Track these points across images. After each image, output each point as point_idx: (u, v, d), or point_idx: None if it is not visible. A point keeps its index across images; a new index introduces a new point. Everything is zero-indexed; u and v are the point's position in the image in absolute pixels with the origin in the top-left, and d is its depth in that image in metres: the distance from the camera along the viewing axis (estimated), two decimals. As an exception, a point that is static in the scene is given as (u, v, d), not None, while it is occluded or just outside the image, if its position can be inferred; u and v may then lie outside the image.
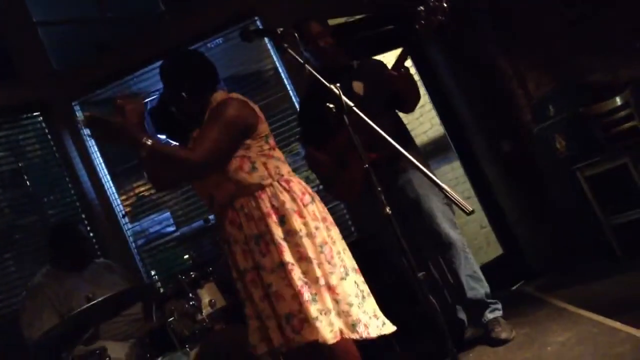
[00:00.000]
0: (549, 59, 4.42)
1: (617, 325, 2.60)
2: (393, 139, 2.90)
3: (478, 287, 3.06)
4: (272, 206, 2.21)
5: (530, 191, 4.52)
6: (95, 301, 2.53)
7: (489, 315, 3.06)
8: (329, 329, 2.09)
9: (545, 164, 4.37)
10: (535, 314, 3.24)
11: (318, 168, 3.22)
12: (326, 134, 3.03)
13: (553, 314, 3.13)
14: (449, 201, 3.10)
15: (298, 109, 3.66)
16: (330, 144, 3.07)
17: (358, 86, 3.09)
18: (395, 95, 3.01)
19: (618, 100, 3.88)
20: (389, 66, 3.04)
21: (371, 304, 2.27)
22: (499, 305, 3.11)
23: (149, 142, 2.12)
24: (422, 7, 2.73)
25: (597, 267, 3.74)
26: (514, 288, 4.13)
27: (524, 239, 4.38)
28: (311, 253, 2.16)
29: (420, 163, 2.94)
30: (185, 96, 2.35)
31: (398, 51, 2.97)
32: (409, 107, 3.16)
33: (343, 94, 2.83)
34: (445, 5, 2.70)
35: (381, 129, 2.85)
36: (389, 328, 2.25)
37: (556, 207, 4.31)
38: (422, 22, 2.75)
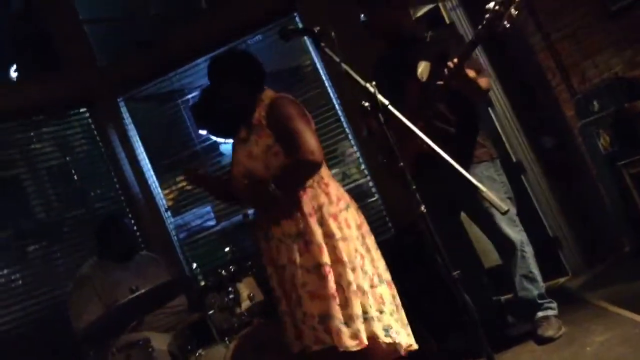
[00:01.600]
0: (593, 52, 4.31)
1: (659, 326, 2.54)
2: (450, 124, 2.85)
3: (531, 288, 2.95)
4: (313, 207, 2.23)
5: (573, 188, 4.44)
6: (138, 293, 2.62)
7: (540, 314, 2.97)
8: (350, 337, 2.12)
9: (589, 161, 4.28)
10: (575, 314, 3.19)
11: (377, 142, 3.04)
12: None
13: (593, 314, 3.07)
14: (510, 195, 3.04)
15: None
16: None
17: (424, 68, 2.85)
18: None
19: (664, 95, 3.77)
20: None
21: (402, 314, 2.28)
22: (554, 304, 3.01)
23: (272, 186, 2.21)
24: (490, 8, 2.51)
25: (638, 265, 3.65)
26: (553, 284, 4.06)
27: (564, 237, 4.30)
28: (346, 257, 2.18)
29: (487, 156, 2.92)
30: (237, 93, 2.42)
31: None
32: (476, 99, 2.97)
33: (408, 72, 2.81)
34: (513, 11, 2.49)
35: (440, 112, 2.82)
36: (413, 342, 2.26)
37: (599, 204, 4.21)
38: (487, 25, 2.54)
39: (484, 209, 2.86)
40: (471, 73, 2.71)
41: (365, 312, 2.17)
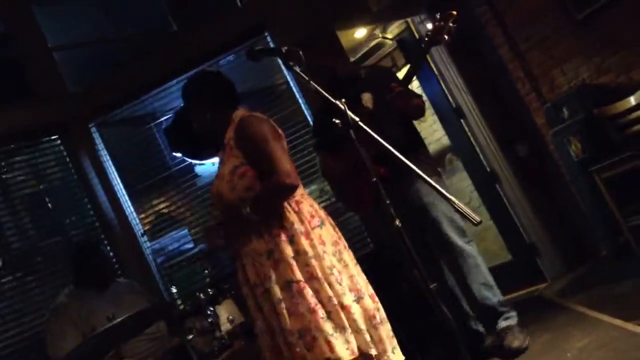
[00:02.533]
0: (561, 61, 4.39)
1: (637, 329, 2.57)
2: (402, 149, 2.94)
3: (490, 296, 3.02)
4: (282, 226, 2.22)
5: (547, 195, 4.49)
6: (115, 321, 2.57)
7: (502, 324, 3.01)
8: (344, 346, 2.09)
9: (562, 167, 4.34)
10: (555, 319, 3.22)
11: (331, 176, 3.25)
12: (339, 145, 3.06)
13: (572, 319, 3.10)
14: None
15: (312, 120, 3.70)
16: (342, 156, 3.09)
17: (368, 98, 3.11)
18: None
19: (632, 101, 3.84)
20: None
21: (386, 329, 2.26)
22: (513, 313, 3.07)
23: (246, 210, 2.19)
24: (429, 26, 2.82)
25: (615, 269, 3.69)
26: (531, 292, 4.10)
27: (541, 243, 4.34)
28: (320, 274, 2.16)
29: (431, 172, 3.03)
30: (209, 115, 2.40)
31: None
32: (415, 118, 3.23)
33: (354, 106, 2.91)
34: (451, 25, 2.79)
35: (390, 140, 2.90)
36: (399, 357, 2.24)
37: (574, 210, 4.27)
38: (429, 40, 2.88)
39: (432, 218, 3.04)
40: (403, 99, 3.01)
41: (350, 326, 2.15)
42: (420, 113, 3.16)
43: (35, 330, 3.68)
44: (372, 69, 3.32)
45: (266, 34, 4.27)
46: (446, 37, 2.81)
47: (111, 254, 3.93)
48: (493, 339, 3.08)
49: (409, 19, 4.83)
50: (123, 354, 2.98)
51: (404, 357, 2.25)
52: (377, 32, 5.14)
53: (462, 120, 4.63)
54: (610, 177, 3.76)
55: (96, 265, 3.39)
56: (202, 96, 2.42)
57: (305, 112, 4.27)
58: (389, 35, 5.21)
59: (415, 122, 3.32)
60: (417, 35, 4.84)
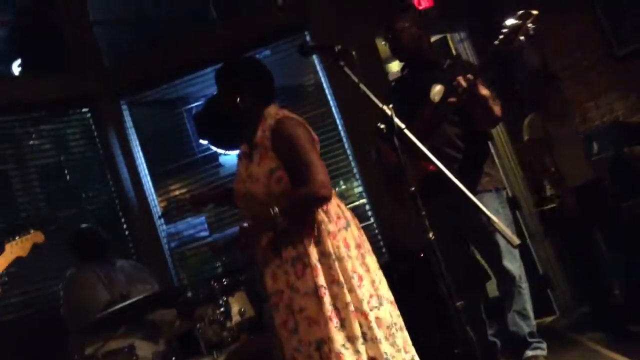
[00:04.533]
0: (597, 94, 4.37)
1: (652, 371, 2.54)
2: (460, 154, 2.86)
3: (523, 325, 2.92)
4: (310, 227, 2.20)
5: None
6: (129, 301, 2.57)
7: (529, 353, 2.94)
8: (354, 357, 2.07)
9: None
10: (567, 354, 3.18)
11: (385, 165, 3.02)
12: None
13: (585, 356, 3.07)
14: (513, 229, 3.01)
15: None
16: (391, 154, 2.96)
17: (438, 90, 2.84)
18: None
19: (664, 141, 3.82)
20: None
21: (403, 337, 2.23)
22: (543, 345, 2.96)
23: (276, 210, 2.11)
24: (506, 24, 2.57)
25: (629, 308, 3.65)
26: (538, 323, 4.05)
27: (554, 275, 4.31)
28: (342, 277, 2.14)
29: (491, 184, 2.91)
30: (239, 102, 2.32)
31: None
32: (480, 125, 2.92)
33: (421, 94, 2.83)
34: (530, 26, 2.53)
35: (447, 141, 2.84)
36: None
37: (598, 246, 4.22)
38: (504, 39, 2.57)
39: (489, 239, 2.84)
40: (484, 91, 2.71)
41: (364, 334, 2.12)
42: (491, 117, 2.82)
43: (43, 298, 3.67)
44: (458, 62, 3.09)
45: (305, 32, 4.26)
46: (522, 37, 2.55)
47: (127, 232, 3.93)
48: None
49: (448, 35, 4.82)
50: (131, 332, 2.96)
51: None
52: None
53: (489, 142, 4.59)
54: (635, 216, 3.72)
55: (95, 242, 3.40)
56: (240, 80, 2.35)
57: (335, 114, 4.26)
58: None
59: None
60: (452, 48, 4.83)
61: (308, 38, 4.23)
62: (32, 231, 2.83)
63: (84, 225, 3.70)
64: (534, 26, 2.53)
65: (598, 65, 4.28)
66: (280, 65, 4.27)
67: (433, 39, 4.95)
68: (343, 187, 4.47)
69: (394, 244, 4.01)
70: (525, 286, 2.94)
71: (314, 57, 4.29)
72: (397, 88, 3.10)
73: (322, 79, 4.32)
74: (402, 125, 1.97)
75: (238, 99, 2.33)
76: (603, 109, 4.32)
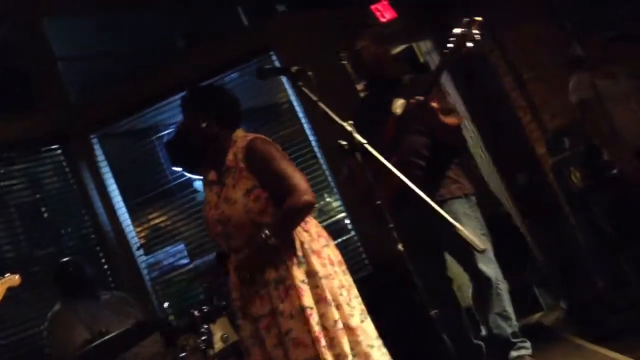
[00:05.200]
0: (563, 91, 4.42)
1: (635, 363, 2.55)
2: (426, 164, 2.89)
3: (505, 326, 2.90)
4: (293, 248, 2.19)
5: (546, 223, 4.49)
6: (108, 336, 2.54)
7: (514, 354, 2.94)
8: None
9: (562, 197, 4.34)
10: (552, 351, 3.19)
11: (356, 186, 3.12)
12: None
13: (570, 351, 3.08)
14: (485, 232, 3.04)
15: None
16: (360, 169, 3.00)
17: (400, 104, 2.90)
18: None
19: (633, 133, 3.85)
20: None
21: (382, 351, 2.24)
22: (527, 344, 2.95)
23: (270, 237, 2.13)
24: (453, 33, 2.62)
25: (612, 301, 3.67)
26: (527, 320, 4.07)
27: (537, 272, 4.33)
28: (329, 295, 2.14)
29: (460, 191, 2.93)
30: (204, 130, 2.32)
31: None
32: (441, 138, 2.92)
33: (384, 109, 2.87)
34: (475, 32, 2.59)
35: (412, 152, 2.86)
36: None
37: (572, 239, 4.26)
38: (452, 49, 2.63)
39: (461, 246, 2.85)
40: (435, 105, 2.73)
41: (353, 349, 2.12)
42: (447, 131, 2.84)
43: (29, 340, 3.63)
44: (418, 77, 3.15)
45: (272, 53, 4.29)
46: (470, 44, 2.60)
47: (106, 266, 3.90)
48: None
49: (414, 44, 4.88)
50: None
51: None
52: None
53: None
54: (608, 207, 3.75)
55: (79, 274, 3.36)
56: (204, 106, 2.37)
57: (307, 131, 4.28)
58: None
59: None
60: (418, 53, 4.88)
61: (274, 57, 4.25)
62: (7, 275, 2.80)
63: (66, 259, 3.64)
64: (479, 32, 2.58)
65: (561, 63, 4.34)
66: (250, 86, 4.29)
67: (399, 48, 5.03)
68: (322, 202, 4.48)
69: (377, 256, 4.02)
70: (503, 287, 2.95)
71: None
72: (363, 106, 3.15)
73: (292, 97, 4.34)
74: (363, 141, 1.99)
75: (203, 126, 2.34)
76: (570, 106, 4.36)
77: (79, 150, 4.10)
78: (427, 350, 3.09)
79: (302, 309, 2.11)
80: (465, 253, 2.87)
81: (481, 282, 2.92)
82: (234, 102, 2.44)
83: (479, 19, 2.57)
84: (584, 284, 4.03)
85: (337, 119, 2.03)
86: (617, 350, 2.76)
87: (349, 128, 1.98)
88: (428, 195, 2.48)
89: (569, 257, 3.99)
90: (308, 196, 2.18)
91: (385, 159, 1.94)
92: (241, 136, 2.34)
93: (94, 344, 2.50)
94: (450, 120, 2.83)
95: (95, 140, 4.18)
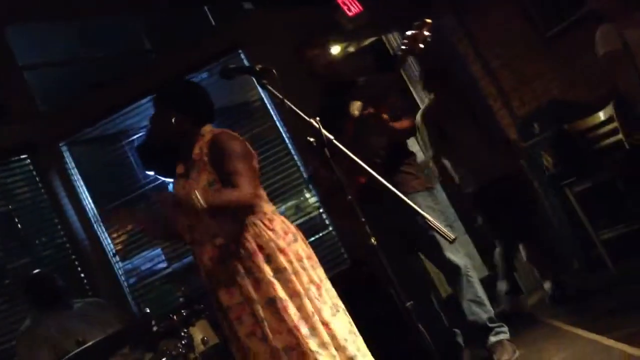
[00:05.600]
0: (532, 77, 4.47)
1: (611, 343, 2.59)
2: (385, 161, 2.95)
3: (480, 312, 2.99)
4: (257, 245, 2.20)
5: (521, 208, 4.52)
6: (86, 345, 2.51)
7: (492, 339, 2.99)
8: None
9: (534, 181, 4.39)
10: (530, 334, 3.23)
11: (320, 186, 3.19)
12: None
13: (547, 334, 3.13)
14: (450, 223, 3.12)
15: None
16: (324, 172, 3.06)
17: (357, 106, 3.03)
18: None
19: (601, 116, 3.92)
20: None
21: (360, 342, 2.26)
22: (505, 328, 3.04)
23: (202, 204, 2.13)
24: (406, 35, 2.75)
25: (589, 283, 3.73)
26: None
27: (516, 256, 4.36)
28: (300, 289, 2.16)
29: (420, 186, 3.01)
30: (174, 125, 2.34)
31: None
32: (393, 139, 3.11)
33: (340, 112, 2.90)
34: (425, 34, 2.72)
35: (372, 150, 2.92)
36: None
37: (545, 223, 4.31)
38: (404, 49, 2.77)
39: (428, 237, 2.94)
40: (385, 116, 2.94)
41: (332, 341, 2.14)
42: (403, 137, 3.09)
43: (4, 354, 3.56)
44: (373, 79, 3.21)
45: (240, 51, 4.26)
46: (421, 45, 2.73)
47: (82, 274, 3.85)
48: (481, 352, 3.06)
49: (383, 37, 4.88)
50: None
51: None
52: (351, 48, 5.18)
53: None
54: (581, 191, 3.81)
55: (49, 285, 3.31)
56: (175, 102, 2.38)
57: (280, 129, 4.27)
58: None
59: None
60: (388, 46, 4.89)
61: (242, 56, 4.23)
62: None
63: (36, 272, 3.60)
64: (430, 34, 2.72)
65: (529, 49, 4.39)
66: (220, 85, 4.25)
67: (368, 41, 5.04)
68: (299, 199, 4.47)
69: (355, 250, 4.02)
70: (473, 274, 3.03)
71: (251, 74, 4.29)
72: (321, 109, 3.19)
73: (264, 95, 4.32)
74: (331, 137, 2.00)
75: (172, 121, 2.34)
76: (539, 91, 4.43)
77: (49, 159, 4.03)
78: (405, 341, 3.12)
79: (274, 300, 2.13)
80: (432, 244, 2.97)
81: (450, 271, 3.00)
82: (205, 97, 2.45)
83: (430, 21, 2.72)
84: (561, 267, 4.09)
85: (303, 115, 2.03)
86: (595, 332, 2.80)
87: (316, 125, 1.99)
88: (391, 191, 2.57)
89: (544, 241, 4.02)
90: (249, 200, 2.21)
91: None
92: (209, 131, 2.36)
93: (72, 353, 2.46)
94: (401, 124, 3.02)
95: (64, 148, 4.12)
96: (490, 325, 3.01)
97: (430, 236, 2.92)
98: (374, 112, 2.88)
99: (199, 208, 2.13)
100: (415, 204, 2.81)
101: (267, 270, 2.17)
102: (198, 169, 2.29)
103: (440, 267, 3.07)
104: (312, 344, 2.09)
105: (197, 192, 2.13)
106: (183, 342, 2.75)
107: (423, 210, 2.88)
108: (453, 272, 3.00)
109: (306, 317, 2.13)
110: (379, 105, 2.94)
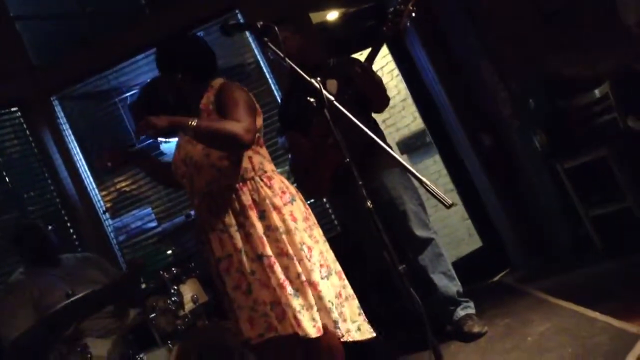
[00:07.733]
0: (529, 53, 4.44)
1: (596, 315, 2.64)
2: (361, 136, 2.97)
3: (450, 285, 3.10)
4: (253, 200, 2.21)
5: (511, 184, 4.55)
6: (74, 298, 2.51)
7: (461, 313, 3.10)
8: (311, 324, 2.10)
9: (526, 157, 4.40)
10: (516, 305, 3.28)
11: (299, 155, 3.18)
12: (303, 131, 3.05)
13: (533, 305, 3.17)
14: (421, 202, 3.18)
15: (279, 104, 3.65)
16: (306, 137, 3.06)
17: (332, 84, 3.10)
18: (362, 94, 3.01)
19: (597, 93, 3.92)
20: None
21: (352, 306, 2.28)
22: (471, 304, 3.16)
23: (194, 122, 2.09)
24: (390, 9, 2.78)
25: (577, 258, 3.78)
26: (495, 279, 4.16)
27: (505, 231, 4.41)
28: (291, 250, 2.17)
29: (395, 163, 3.03)
30: (180, 80, 2.33)
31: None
32: (376, 107, 3.17)
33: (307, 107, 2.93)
34: (411, 8, 2.76)
35: (351, 124, 2.94)
36: (365, 334, 2.25)
37: (536, 199, 4.34)
38: (390, 24, 2.81)
39: (397, 211, 3.07)
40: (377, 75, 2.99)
41: (317, 302, 2.16)
42: (383, 97, 3.11)
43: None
44: (343, 59, 3.26)
45: (237, 11, 4.19)
46: (406, 20, 2.78)
47: (71, 230, 3.83)
48: (451, 328, 3.14)
49: None
50: (82, 331, 2.91)
51: (373, 333, 2.26)
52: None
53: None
54: (573, 168, 3.83)
55: (37, 240, 3.25)
56: (175, 56, 2.36)
57: (275, 92, 4.23)
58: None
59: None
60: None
61: (239, 16, 4.16)
62: None
63: (25, 221, 3.56)
64: (415, 8, 2.76)
65: (528, 25, 4.34)
66: (215, 46, 4.18)
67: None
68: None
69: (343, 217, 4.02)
70: (443, 250, 3.12)
71: (249, 35, 4.24)
72: (295, 90, 3.23)
73: (259, 57, 4.27)
74: (331, 98, 1.98)
75: (179, 76, 2.33)
76: (536, 66, 4.39)
77: (40, 113, 3.97)
78: (396, 306, 3.17)
79: (262, 256, 2.14)
80: (401, 218, 3.08)
81: (419, 245, 3.10)
82: (209, 51, 2.44)
83: None
84: (549, 241, 4.14)
85: (304, 75, 2.01)
86: (580, 304, 2.85)
87: (317, 85, 1.97)
88: (369, 166, 2.67)
89: (534, 217, 4.06)
90: (247, 136, 2.13)
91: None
92: (218, 81, 2.36)
93: (62, 304, 2.46)
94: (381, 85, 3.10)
95: (56, 102, 4.06)
96: (459, 299, 3.10)
97: (401, 210, 3.07)
98: (365, 65, 2.89)
99: (188, 126, 2.09)
100: (390, 180, 3.07)
101: (259, 226, 2.18)
102: (202, 118, 2.27)
103: (409, 242, 3.11)
104: (296, 304, 2.11)
105: (195, 121, 2.10)
106: (173, 299, 2.78)
107: (397, 187, 3.07)
108: (422, 247, 3.09)
109: (292, 278, 2.15)
110: (352, 84, 2.97)
